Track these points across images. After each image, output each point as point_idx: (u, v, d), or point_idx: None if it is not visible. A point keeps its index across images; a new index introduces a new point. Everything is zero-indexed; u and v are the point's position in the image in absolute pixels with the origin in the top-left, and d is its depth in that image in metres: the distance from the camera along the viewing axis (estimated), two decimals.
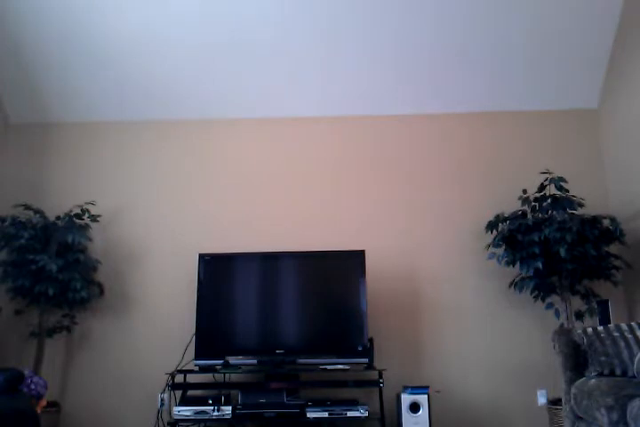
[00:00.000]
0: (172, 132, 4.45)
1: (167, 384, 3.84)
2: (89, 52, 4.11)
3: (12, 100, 4.39)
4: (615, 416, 2.30)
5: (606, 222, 3.87)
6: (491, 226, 3.93)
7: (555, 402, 3.68)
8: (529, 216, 3.88)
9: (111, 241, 4.26)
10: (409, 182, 4.31)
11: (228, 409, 3.48)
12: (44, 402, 3.21)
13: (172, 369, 4.01)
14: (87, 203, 4.22)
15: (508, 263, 3.85)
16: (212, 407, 3.48)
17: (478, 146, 4.37)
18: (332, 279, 3.76)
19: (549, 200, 3.81)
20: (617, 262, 3.97)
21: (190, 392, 3.78)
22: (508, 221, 3.87)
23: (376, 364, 3.99)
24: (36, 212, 4.02)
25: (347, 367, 3.63)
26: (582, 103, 4.39)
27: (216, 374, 3.85)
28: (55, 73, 4.23)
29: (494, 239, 3.84)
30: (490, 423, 3.91)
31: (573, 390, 2.76)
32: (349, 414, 3.47)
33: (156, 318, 4.11)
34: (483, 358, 4.01)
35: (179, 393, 3.88)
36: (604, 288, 4.01)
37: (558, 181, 3.78)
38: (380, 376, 3.55)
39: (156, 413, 3.94)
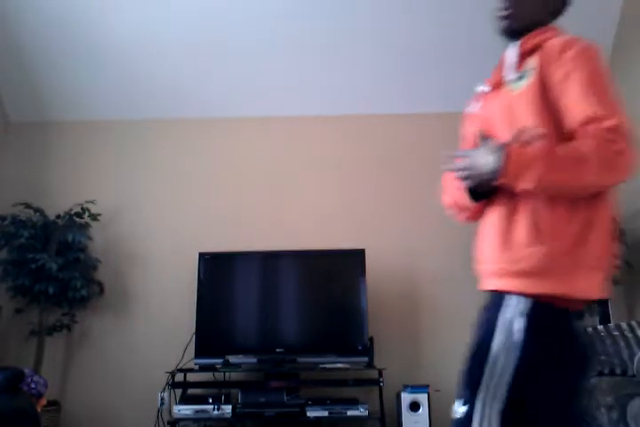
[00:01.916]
0: (173, 132, 4.45)
1: (167, 383, 3.83)
2: (89, 51, 4.11)
3: (13, 100, 4.38)
4: (615, 416, 2.30)
5: None
6: None
7: None
8: None
9: (111, 240, 4.26)
10: (410, 181, 4.31)
11: (228, 408, 3.48)
12: (44, 401, 3.21)
13: (172, 368, 4.01)
14: (87, 202, 4.21)
15: None
16: (212, 406, 3.48)
17: None
18: (332, 278, 3.77)
19: None
20: (617, 262, 3.97)
21: (190, 391, 3.78)
22: None
23: (376, 363, 3.98)
24: (36, 210, 4.02)
25: (347, 366, 3.63)
26: None
27: (216, 373, 3.84)
28: (55, 73, 4.23)
29: None
30: None
31: None
32: (349, 413, 3.48)
33: (156, 317, 4.11)
34: None
35: (179, 392, 3.87)
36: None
37: None
38: (380, 375, 3.55)
39: (156, 412, 3.94)
